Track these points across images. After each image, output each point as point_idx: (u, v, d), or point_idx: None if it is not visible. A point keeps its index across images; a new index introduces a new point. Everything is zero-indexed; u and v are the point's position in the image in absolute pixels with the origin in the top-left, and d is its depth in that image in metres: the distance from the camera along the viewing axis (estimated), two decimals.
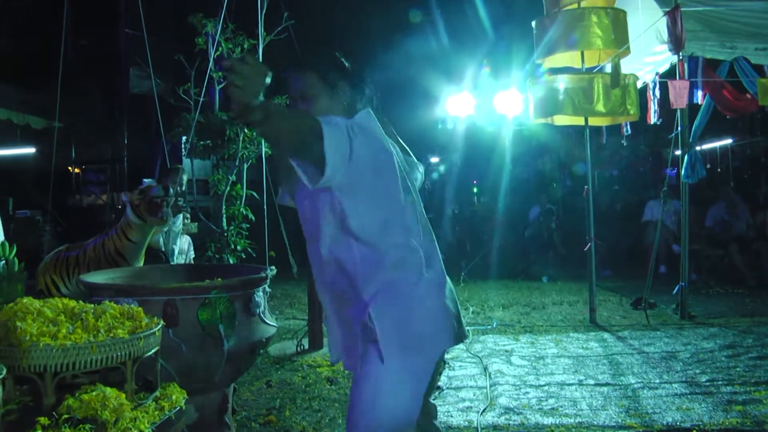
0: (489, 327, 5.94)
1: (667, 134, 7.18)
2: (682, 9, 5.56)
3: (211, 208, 6.35)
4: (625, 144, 8.44)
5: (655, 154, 14.00)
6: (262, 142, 5.51)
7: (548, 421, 3.41)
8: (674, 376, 4.18)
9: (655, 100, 6.62)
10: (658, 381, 4.08)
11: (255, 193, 5.72)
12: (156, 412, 1.85)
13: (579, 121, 6.41)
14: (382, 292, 1.81)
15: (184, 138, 6.18)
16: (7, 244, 3.42)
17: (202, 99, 5.40)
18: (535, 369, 4.44)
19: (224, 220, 6.05)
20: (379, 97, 2.07)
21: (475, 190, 15.50)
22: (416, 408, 1.84)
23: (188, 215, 5.45)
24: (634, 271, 8.89)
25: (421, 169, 2.23)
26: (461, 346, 5.16)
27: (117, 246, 3.74)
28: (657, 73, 6.77)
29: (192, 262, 5.75)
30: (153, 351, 1.94)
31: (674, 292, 6.27)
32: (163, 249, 5.10)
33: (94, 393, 1.68)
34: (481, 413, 3.53)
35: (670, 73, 6.55)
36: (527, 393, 3.89)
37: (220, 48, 5.98)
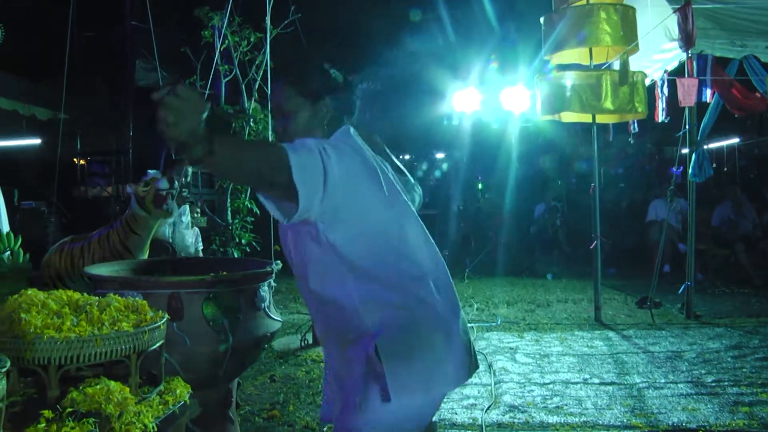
0: (493, 324, 5.92)
1: (674, 132, 7.13)
2: (692, 6, 5.51)
3: (215, 202, 6.35)
4: (632, 142, 8.39)
5: (662, 153, 13.94)
6: (269, 134, 5.50)
7: (553, 419, 3.39)
8: (680, 376, 4.16)
9: (663, 98, 6.57)
10: (663, 381, 4.05)
11: None
12: (160, 407, 1.84)
13: (586, 118, 6.37)
14: (387, 324, 1.64)
15: None
16: (12, 235, 3.42)
17: (208, 92, 5.38)
18: (539, 367, 4.42)
19: (229, 213, 6.05)
20: (370, 110, 1.96)
21: (480, 186, 15.45)
22: None
23: (198, 209, 5.43)
24: (638, 270, 8.86)
25: (419, 190, 2.06)
26: None
27: (122, 238, 3.73)
28: (665, 71, 6.72)
29: (200, 255, 5.74)
30: (157, 345, 1.93)
31: (680, 291, 6.25)
32: (170, 240, 5.09)
33: (98, 386, 1.67)
34: (486, 411, 3.51)
35: (679, 71, 6.51)
36: (532, 391, 3.88)
37: (227, 41, 5.96)
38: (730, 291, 7.53)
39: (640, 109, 6.03)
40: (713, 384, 3.95)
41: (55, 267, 3.80)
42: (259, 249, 5.95)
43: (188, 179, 5.54)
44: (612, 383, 4.03)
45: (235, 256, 5.77)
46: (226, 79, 6.18)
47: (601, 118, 6.54)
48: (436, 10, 13.43)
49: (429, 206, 19.27)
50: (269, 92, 1.86)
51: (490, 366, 4.43)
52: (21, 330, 1.63)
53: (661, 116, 6.62)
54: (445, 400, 3.68)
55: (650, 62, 7.05)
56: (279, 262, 2.72)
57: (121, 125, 11.11)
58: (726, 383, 3.95)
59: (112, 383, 1.71)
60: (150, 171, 4.09)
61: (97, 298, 1.98)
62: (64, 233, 6.96)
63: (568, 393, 3.84)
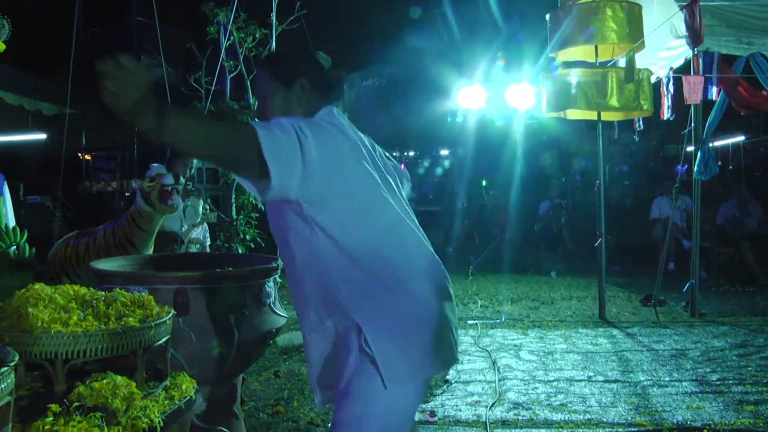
0: (498, 321, 5.92)
1: (679, 130, 7.10)
2: (699, 3, 5.48)
3: (220, 197, 6.36)
4: (636, 139, 8.37)
5: (667, 150, 13.90)
6: None
7: (557, 417, 3.39)
8: (684, 374, 4.15)
9: (669, 96, 6.55)
10: (667, 379, 4.05)
11: None
12: (166, 401, 1.84)
13: (592, 115, 6.35)
14: (373, 311, 1.63)
15: None
16: (18, 230, 3.44)
17: (213, 87, 5.39)
18: (543, 364, 4.42)
19: (234, 209, 6.06)
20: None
21: (484, 183, 15.44)
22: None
23: (207, 205, 5.45)
24: (643, 268, 8.85)
25: (408, 176, 2.05)
26: (470, 339, 5.15)
27: (127, 233, 3.74)
28: (671, 68, 6.70)
29: (208, 250, 5.76)
30: (163, 340, 1.94)
31: (684, 289, 6.23)
32: (181, 233, 5.11)
33: (104, 381, 1.68)
34: (490, 408, 3.51)
35: (685, 69, 6.48)
36: (536, 388, 3.87)
37: (232, 37, 5.97)
38: (735, 289, 7.51)
39: (645, 107, 6.01)
40: (718, 382, 3.94)
41: (60, 262, 3.81)
42: (263, 245, 5.96)
43: (193, 172, 5.55)
44: (616, 381, 4.02)
45: (240, 251, 5.78)
46: (231, 75, 6.19)
47: (606, 116, 6.52)
48: (442, 8, 13.40)
49: (433, 203, 19.30)
50: None
51: (494, 363, 4.43)
52: (28, 324, 1.64)
53: (666, 114, 6.61)
54: (449, 396, 3.70)
55: (656, 59, 7.03)
56: None
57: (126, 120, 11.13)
58: (731, 382, 3.94)
59: (119, 378, 1.72)
60: (153, 165, 4.10)
61: (103, 293, 1.98)
62: (69, 228, 6.98)
63: (573, 390, 3.83)
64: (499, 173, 13.61)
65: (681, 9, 5.70)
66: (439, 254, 1.80)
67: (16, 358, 1.35)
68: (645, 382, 3.98)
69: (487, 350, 4.79)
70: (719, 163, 8.48)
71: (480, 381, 4.04)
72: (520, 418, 3.39)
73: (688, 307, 6.13)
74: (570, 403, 3.61)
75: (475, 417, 3.40)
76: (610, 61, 6.49)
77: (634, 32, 5.89)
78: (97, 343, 1.70)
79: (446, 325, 1.69)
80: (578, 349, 4.83)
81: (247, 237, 6.03)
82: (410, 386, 1.66)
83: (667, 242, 6.54)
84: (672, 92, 6.49)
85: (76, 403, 1.56)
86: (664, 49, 6.88)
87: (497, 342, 5.08)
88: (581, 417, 3.39)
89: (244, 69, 6.18)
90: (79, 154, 12.82)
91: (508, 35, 12.99)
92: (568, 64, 6.52)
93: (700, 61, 6.22)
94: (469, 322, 5.86)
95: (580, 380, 4.04)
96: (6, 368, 1.24)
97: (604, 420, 3.35)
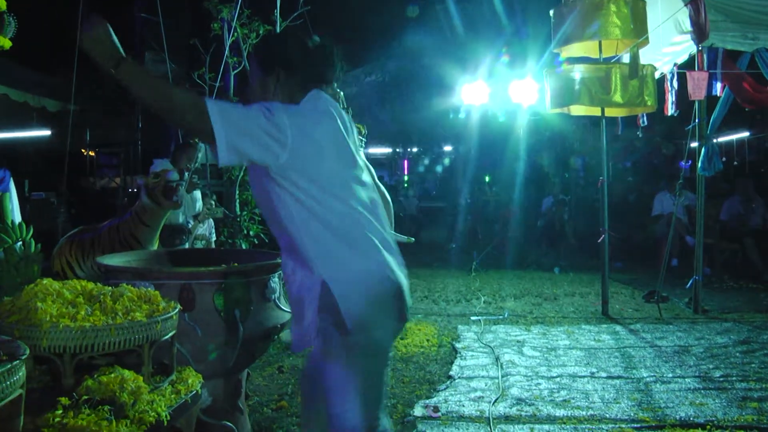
0: (501, 317, 5.93)
1: (683, 126, 7.09)
2: None
3: (224, 193, 6.37)
4: (640, 135, 8.35)
5: (670, 146, 13.86)
6: None
7: (560, 412, 3.40)
8: (687, 370, 4.15)
9: (673, 92, 6.52)
10: (670, 375, 4.05)
11: None
12: (172, 396, 1.86)
13: (595, 111, 6.34)
14: (337, 268, 1.81)
15: None
16: (24, 226, 3.45)
17: (218, 84, 5.39)
18: (546, 360, 4.43)
19: (237, 204, 6.07)
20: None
21: (487, 179, 15.45)
22: (382, 387, 1.87)
23: (212, 201, 5.46)
24: (646, 264, 8.85)
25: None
26: (473, 335, 5.16)
27: (132, 229, 3.76)
28: (675, 64, 6.67)
29: (213, 246, 5.78)
30: (170, 335, 1.95)
31: (687, 285, 6.23)
32: (189, 227, 5.13)
33: (112, 375, 1.70)
34: (493, 403, 3.53)
35: (689, 64, 6.46)
36: (539, 384, 3.89)
37: (236, 33, 5.96)
38: (739, 286, 7.50)
39: (649, 103, 6.00)
40: (721, 379, 3.94)
41: (65, 257, 3.83)
42: (267, 241, 5.97)
43: (197, 165, 5.56)
44: (619, 377, 4.03)
45: (243, 247, 5.80)
46: (235, 71, 6.18)
47: (610, 112, 6.51)
48: (445, 4, 13.38)
49: (436, 199, 19.31)
50: None
51: (497, 359, 4.44)
52: (37, 319, 1.66)
53: (670, 110, 6.58)
54: (452, 392, 3.71)
55: (660, 55, 7.01)
56: None
57: (129, 117, 11.15)
58: (734, 378, 3.95)
59: (126, 372, 1.74)
60: (156, 160, 4.11)
61: (110, 288, 2.00)
62: (73, 224, 7.01)
63: (575, 386, 3.84)
64: (502, 169, 13.61)
65: (686, 5, 5.68)
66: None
67: (27, 351, 1.36)
68: (648, 379, 3.98)
69: (490, 346, 4.80)
70: (723, 159, 8.47)
71: (483, 377, 4.06)
72: (523, 413, 3.40)
73: (692, 304, 6.13)
74: (573, 399, 3.62)
75: (479, 412, 3.41)
76: (614, 56, 6.48)
77: (638, 28, 5.88)
78: (104, 338, 1.71)
79: (401, 288, 1.89)
80: (581, 346, 4.84)
81: (251, 233, 6.04)
82: (371, 336, 1.81)
83: (671, 238, 6.54)
84: (676, 88, 6.46)
85: (85, 397, 1.58)
86: (668, 45, 6.87)
87: (500, 338, 5.09)
88: (584, 413, 3.40)
89: (247, 65, 6.18)
90: (83, 150, 12.85)
91: (512, 31, 12.97)
92: (572, 60, 6.51)
93: (705, 56, 6.20)
94: (473, 318, 5.88)
95: (583, 376, 4.05)
96: (18, 361, 1.26)
97: (607, 416, 3.36)
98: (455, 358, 4.53)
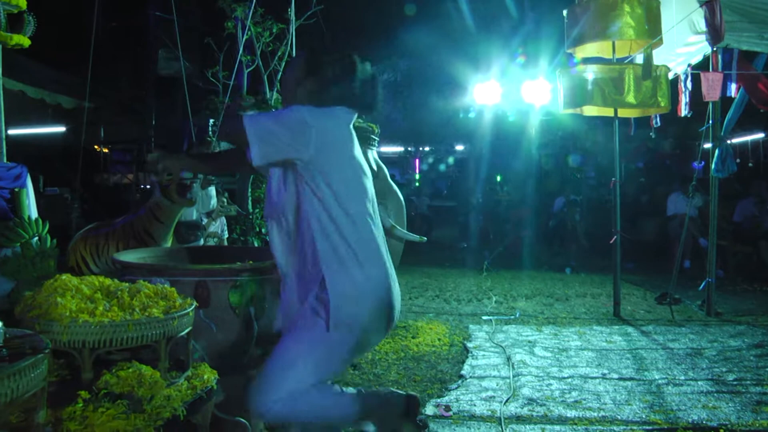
0: (512, 317, 5.92)
1: (696, 127, 7.04)
2: None
3: (236, 190, 6.40)
4: (653, 136, 8.31)
5: (683, 147, 13.78)
6: None
7: (571, 413, 3.39)
8: (700, 373, 4.13)
9: (687, 93, 6.48)
10: (683, 378, 4.03)
11: None
12: (188, 391, 1.88)
13: (608, 112, 6.32)
14: (339, 269, 1.96)
15: (211, 120, 6.23)
16: (40, 221, 3.49)
17: (231, 83, 5.42)
18: (558, 361, 4.42)
19: (250, 202, 6.10)
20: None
21: (498, 179, 15.42)
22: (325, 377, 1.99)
23: (224, 199, 5.49)
24: (658, 265, 8.80)
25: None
26: (484, 335, 5.16)
27: (146, 226, 3.80)
28: (689, 65, 6.63)
29: (225, 243, 5.81)
30: (186, 331, 1.97)
31: (700, 287, 6.19)
32: (203, 223, 5.17)
33: (130, 370, 1.72)
34: (505, 403, 3.53)
35: (703, 65, 6.41)
36: (550, 385, 3.88)
37: (249, 32, 5.99)
38: (753, 289, 7.44)
39: (662, 104, 5.96)
40: (735, 382, 3.92)
41: (80, 252, 3.87)
42: None
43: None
44: (631, 379, 4.02)
45: (255, 245, 5.83)
46: (249, 70, 6.22)
47: (623, 113, 6.48)
48: (458, 3, 13.35)
49: (448, 198, 19.28)
50: None
51: (508, 359, 4.43)
52: (57, 314, 1.68)
53: (684, 111, 6.54)
54: (463, 391, 3.72)
55: (674, 55, 6.97)
56: None
57: (143, 114, 11.24)
58: (748, 382, 3.92)
59: (144, 367, 1.76)
60: None
61: (127, 284, 2.02)
62: (87, 219, 7.07)
63: (587, 387, 3.83)
64: (514, 169, 13.58)
65: (701, 5, 5.64)
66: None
67: (50, 345, 1.39)
68: (660, 381, 3.96)
69: (501, 346, 4.80)
70: (738, 160, 8.38)
71: (494, 377, 4.06)
72: (534, 414, 3.40)
73: (704, 306, 6.09)
74: (584, 400, 3.61)
75: (490, 412, 3.42)
76: (627, 57, 6.45)
77: (652, 28, 5.85)
78: (122, 333, 1.74)
79: (390, 301, 2.04)
80: (593, 347, 4.82)
81: (263, 230, 6.07)
82: (349, 337, 1.96)
83: (683, 240, 6.50)
84: (690, 89, 6.43)
85: (104, 391, 1.60)
86: (682, 45, 6.82)
87: (511, 338, 5.09)
88: (595, 414, 3.39)
89: (261, 64, 6.20)
90: (97, 147, 12.96)
91: (525, 31, 12.93)
92: (585, 61, 6.49)
93: (719, 57, 6.16)
94: (484, 317, 5.87)
95: (595, 377, 4.04)
96: (41, 355, 1.28)
97: (619, 418, 3.35)
98: (466, 357, 4.53)
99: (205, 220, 5.22)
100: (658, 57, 6.28)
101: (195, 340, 2.27)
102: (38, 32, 4.22)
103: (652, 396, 3.68)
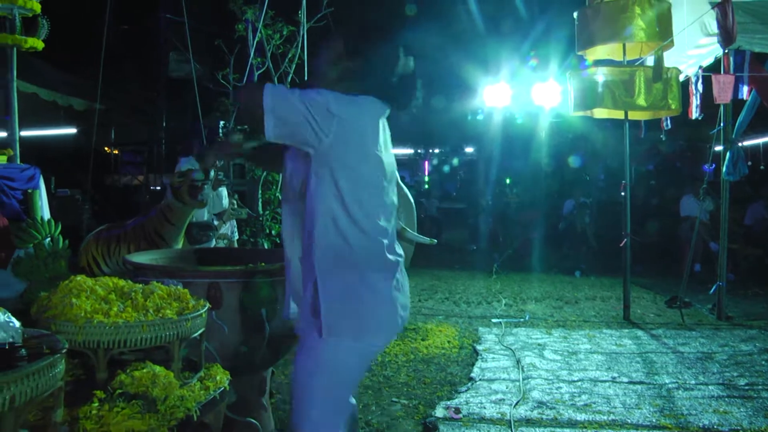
0: (522, 320, 5.91)
1: (707, 129, 7.00)
2: (732, 0, 5.39)
3: (247, 192, 6.43)
4: (663, 139, 8.27)
5: (694, 150, 13.70)
6: None
7: (581, 417, 3.39)
8: (710, 377, 4.11)
9: (698, 95, 6.45)
10: (693, 382, 4.01)
11: None
12: (201, 392, 1.90)
13: (619, 114, 6.30)
14: (332, 267, 1.84)
15: (222, 122, 6.26)
16: (53, 222, 3.52)
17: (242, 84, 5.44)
18: (567, 364, 4.41)
19: (260, 204, 6.13)
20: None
21: (508, 181, 15.40)
22: (347, 391, 1.93)
23: (234, 201, 5.52)
24: (668, 268, 8.76)
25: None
26: (494, 338, 5.16)
27: (157, 227, 3.82)
28: (700, 67, 6.59)
29: (236, 245, 5.84)
30: (199, 332, 1.99)
31: (711, 291, 6.16)
32: (215, 224, 5.19)
33: (144, 370, 1.73)
34: (514, 406, 3.52)
35: (714, 67, 6.38)
36: (560, 388, 3.87)
37: (260, 34, 6.02)
38: (764, 292, 7.38)
39: (673, 106, 5.94)
40: (746, 387, 3.90)
41: (91, 253, 3.90)
42: None
43: (221, 163, 5.62)
44: (641, 382, 4.01)
45: (266, 246, 5.85)
46: (259, 72, 6.24)
47: (633, 115, 6.46)
48: (468, 5, 13.35)
49: (457, 200, 19.26)
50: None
51: (518, 362, 4.43)
52: (72, 314, 1.70)
53: (695, 113, 6.51)
54: (473, 394, 3.72)
55: (685, 57, 6.93)
56: None
57: (153, 116, 11.31)
58: (760, 387, 3.89)
59: (158, 368, 1.78)
60: (182, 158, 4.13)
61: (141, 285, 2.04)
62: (98, 220, 7.12)
63: (597, 391, 3.82)
64: (524, 171, 13.55)
65: (713, 7, 5.61)
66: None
67: (66, 346, 1.40)
68: (670, 385, 3.95)
69: (511, 349, 4.79)
70: (749, 163, 8.34)
71: (504, 379, 4.05)
72: (544, 417, 3.39)
73: (715, 310, 6.05)
74: (594, 403, 3.60)
75: (500, 415, 3.41)
76: (638, 59, 6.43)
77: (663, 30, 5.82)
78: (136, 334, 1.75)
79: (395, 306, 1.89)
80: (602, 350, 4.81)
81: (273, 232, 6.10)
82: (352, 344, 1.85)
83: (693, 243, 6.46)
84: (701, 91, 6.39)
85: (119, 391, 1.61)
86: (693, 47, 6.78)
87: (521, 341, 5.08)
88: (605, 418, 3.38)
89: (271, 66, 6.23)
90: (107, 149, 13.05)
91: (535, 33, 12.91)
92: (596, 63, 6.47)
93: (731, 59, 6.13)
94: (493, 320, 5.87)
95: (605, 381, 4.03)
96: (59, 355, 1.29)
97: (629, 421, 3.34)
98: (476, 360, 4.53)
99: (216, 222, 5.25)
100: (669, 59, 6.25)
101: (207, 341, 2.28)
102: (50, 35, 4.27)
103: (662, 400, 3.67)
